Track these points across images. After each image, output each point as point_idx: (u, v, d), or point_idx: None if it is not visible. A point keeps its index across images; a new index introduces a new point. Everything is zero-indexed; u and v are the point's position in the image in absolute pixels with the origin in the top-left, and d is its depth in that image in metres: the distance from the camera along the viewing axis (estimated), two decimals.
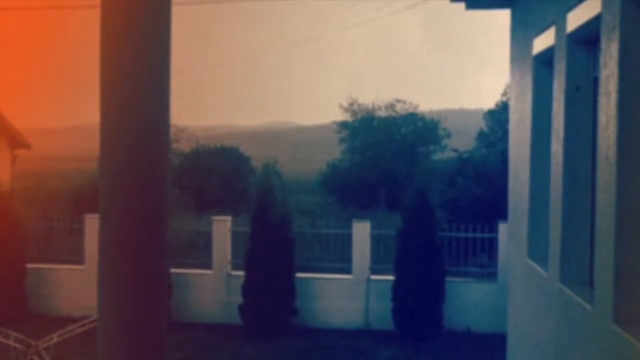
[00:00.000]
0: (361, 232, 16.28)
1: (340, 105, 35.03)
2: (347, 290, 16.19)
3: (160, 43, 2.63)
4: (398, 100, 35.31)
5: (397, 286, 15.37)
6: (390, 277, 15.63)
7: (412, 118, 34.44)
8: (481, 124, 30.29)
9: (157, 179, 2.54)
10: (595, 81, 6.67)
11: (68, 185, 29.93)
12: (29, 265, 16.75)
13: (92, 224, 16.61)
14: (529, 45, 8.75)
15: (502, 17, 10.89)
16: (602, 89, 5.62)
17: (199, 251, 17.75)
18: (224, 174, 31.17)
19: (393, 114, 34.91)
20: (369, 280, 16.18)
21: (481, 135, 29.58)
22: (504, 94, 27.18)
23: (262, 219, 15.55)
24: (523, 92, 9.37)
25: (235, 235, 16.89)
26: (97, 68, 2.69)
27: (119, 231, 2.60)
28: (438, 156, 32.42)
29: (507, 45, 10.64)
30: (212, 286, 16.67)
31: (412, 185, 16.80)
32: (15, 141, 22.50)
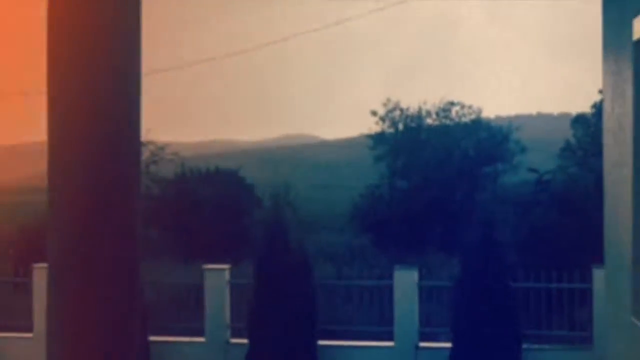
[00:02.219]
0: (406, 283, 16.23)
1: (374, 113, 34.75)
2: None
3: (127, 36, 2.62)
4: (453, 104, 34.79)
5: (455, 356, 15.29)
6: (447, 345, 15.55)
7: (474, 127, 33.99)
8: (568, 134, 30.08)
9: (124, 214, 2.53)
10: None
11: (10, 225, 30.03)
12: None
13: (42, 277, 16.68)
14: (628, 29, 8.77)
15: None
16: None
17: (187, 312, 17.64)
18: (220, 207, 31.01)
19: (447, 122, 34.52)
20: (417, 348, 16.11)
21: (567, 150, 29.35)
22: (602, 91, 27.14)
23: (271, 267, 15.62)
24: (621, 90, 9.37)
25: (235, 290, 16.95)
26: (44, 70, 2.70)
27: (75, 287, 2.57)
28: (509, 178, 32.14)
29: (598, 29, 10.66)
30: (206, 358, 16.61)
31: (475, 219, 17.28)
32: None
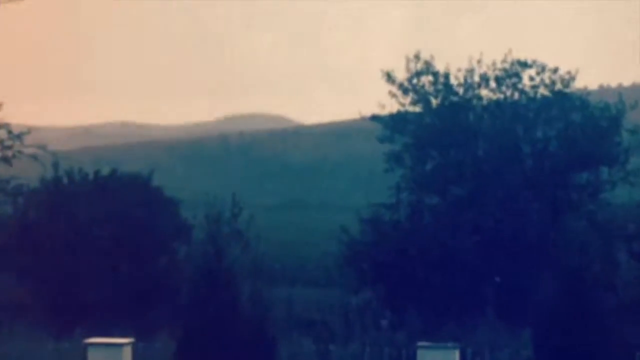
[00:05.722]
0: None
1: (390, 78, 25.86)
2: None
3: None
4: (526, 64, 26.31)
5: None
6: None
7: (560, 104, 25.96)
8: None
9: None
10: None
11: None
12: None
13: None
14: None
15: None
16: None
17: None
18: (120, 239, 24.54)
19: (516, 94, 25.74)
20: None
21: None
22: None
23: (207, 343, 12.98)
24: None
25: None
26: None
27: None
28: (619, 193, 25.58)
29: None
30: None
31: (559, 263, 14.93)
32: None
